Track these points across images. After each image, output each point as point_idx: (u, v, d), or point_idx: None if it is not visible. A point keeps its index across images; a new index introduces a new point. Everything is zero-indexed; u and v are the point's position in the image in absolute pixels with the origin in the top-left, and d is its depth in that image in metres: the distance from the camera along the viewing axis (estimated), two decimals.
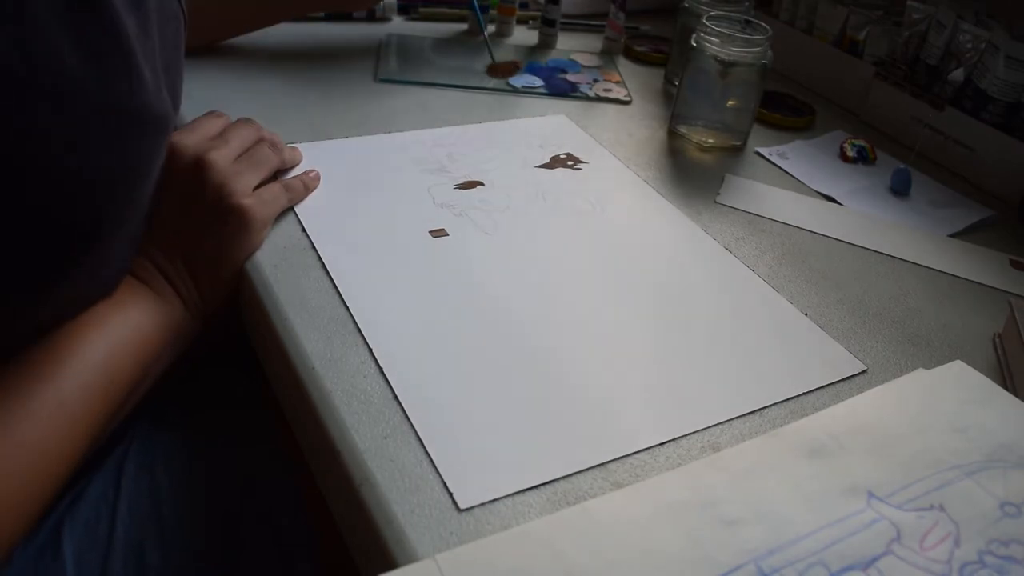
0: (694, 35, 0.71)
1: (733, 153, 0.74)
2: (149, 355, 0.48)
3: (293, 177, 0.57)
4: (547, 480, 0.39)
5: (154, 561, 0.48)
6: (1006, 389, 0.46)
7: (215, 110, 0.57)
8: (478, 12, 0.86)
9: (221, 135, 0.54)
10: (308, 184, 0.58)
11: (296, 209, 0.56)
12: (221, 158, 0.51)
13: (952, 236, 0.66)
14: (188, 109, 0.65)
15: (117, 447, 0.53)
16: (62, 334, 0.44)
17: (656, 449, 0.42)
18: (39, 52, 0.35)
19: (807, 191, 0.70)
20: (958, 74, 0.75)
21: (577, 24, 0.98)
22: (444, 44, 0.88)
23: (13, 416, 0.40)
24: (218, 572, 0.50)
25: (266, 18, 0.79)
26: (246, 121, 0.57)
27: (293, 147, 0.61)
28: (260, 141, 0.56)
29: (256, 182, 0.53)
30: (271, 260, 0.51)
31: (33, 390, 0.41)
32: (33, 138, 0.36)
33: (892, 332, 0.53)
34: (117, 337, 0.46)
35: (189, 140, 0.52)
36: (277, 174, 0.58)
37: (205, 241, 0.51)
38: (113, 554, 0.48)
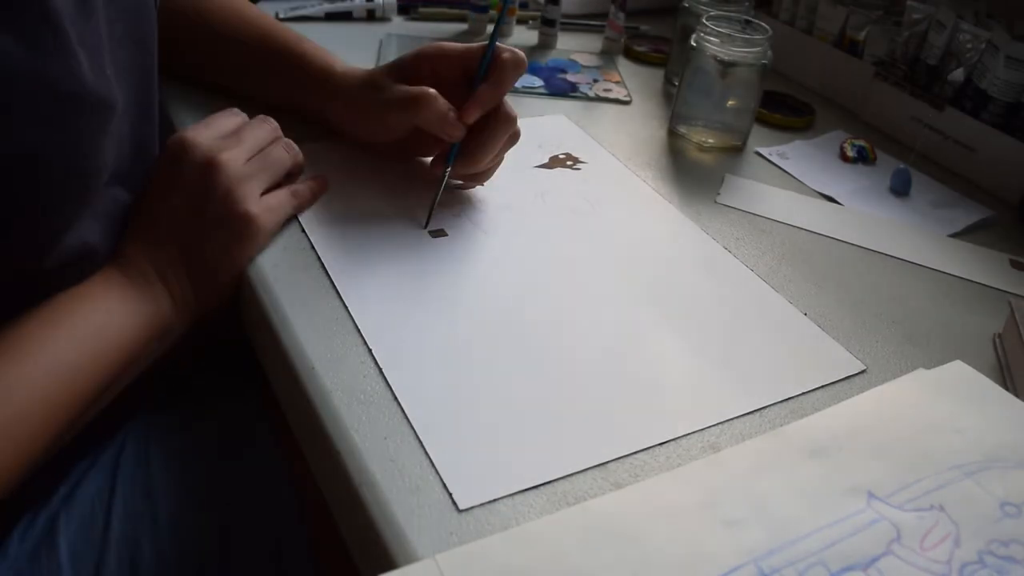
0: (694, 35, 0.71)
1: (733, 153, 0.74)
2: (125, 356, 0.46)
3: (301, 183, 0.56)
4: (547, 480, 0.39)
5: (149, 558, 0.48)
6: (1006, 389, 0.46)
7: (233, 108, 0.56)
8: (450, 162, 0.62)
9: (235, 133, 0.53)
10: (316, 191, 0.56)
11: (300, 212, 0.56)
12: (232, 160, 0.50)
13: (952, 236, 0.66)
14: (188, 110, 0.65)
15: (112, 445, 0.53)
16: (28, 331, 0.42)
17: (656, 449, 0.42)
18: None
19: (807, 191, 0.70)
20: (958, 74, 0.75)
21: (577, 24, 0.98)
22: None
23: None
24: (215, 571, 0.50)
25: (237, 83, 0.69)
26: (264, 119, 0.55)
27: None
28: (275, 141, 0.55)
29: (265, 186, 0.52)
30: (271, 260, 0.51)
31: None
32: None
33: (892, 332, 0.53)
34: (87, 338, 0.44)
35: (201, 137, 0.50)
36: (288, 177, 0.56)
37: (207, 244, 0.50)
38: (108, 551, 0.48)
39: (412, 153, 0.63)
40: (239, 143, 0.52)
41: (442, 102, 0.55)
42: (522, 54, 0.56)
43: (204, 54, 0.66)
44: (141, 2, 0.49)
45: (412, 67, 0.58)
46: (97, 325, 0.45)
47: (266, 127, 0.55)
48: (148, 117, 0.51)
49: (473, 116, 0.55)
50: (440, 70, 0.58)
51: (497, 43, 0.57)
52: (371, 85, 0.59)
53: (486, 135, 0.56)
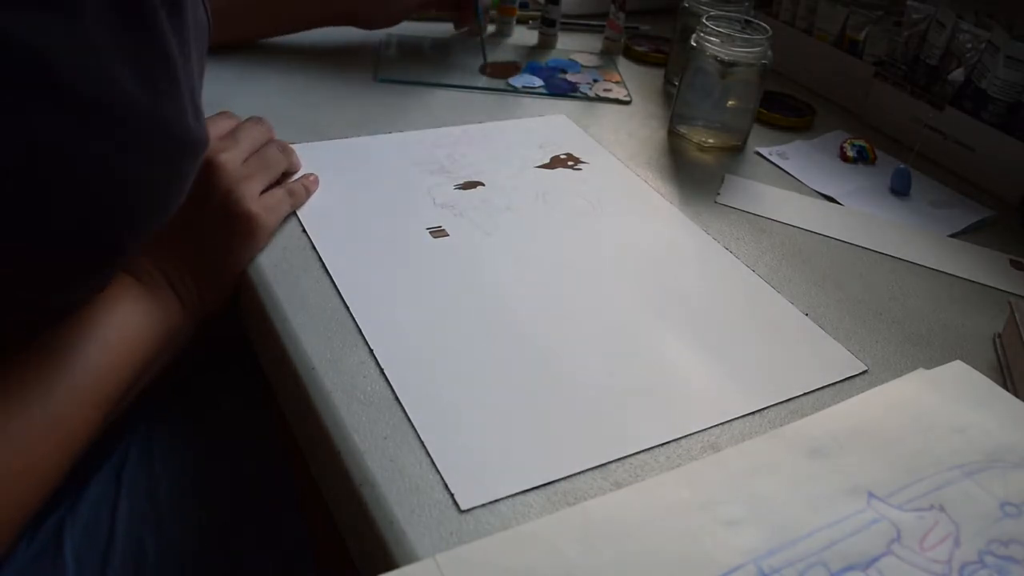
0: (694, 35, 0.71)
1: (733, 153, 0.74)
2: (143, 358, 0.47)
3: (295, 181, 0.57)
4: (548, 481, 0.39)
5: (153, 561, 0.48)
6: (1006, 389, 0.46)
7: (226, 110, 0.57)
8: (479, 13, 0.85)
9: (231, 134, 0.53)
10: (309, 188, 0.57)
11: (296, 209, 0.56)
12: (230, 160, 0.51)
13: (952, 236, 0.66)
14: None
15: (117, 448, 0.53)
16: (54, 337, 0.43)
17: (656, 449, 0.42)
18: (103, 77, 0.34)
19: (807, 191, 0.70)
20: (958, 74, 0.75)
21: (577, 24, 0.98)
22: (444, 44, 0.88)
23: (3, 418, 0.39)
24: (217, 572, 0.50)
25: (259, 30, 0.78)
26: (257, 120, 0.56)
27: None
28: (270, 142, 0.56)
29: (263, 186, 0.53)
30: (271, 260, 0.51)
31: (22, 397, 0.40)
32: (89, 156, 0.35)
33: (892, 332, 0.53)
34: (110, 341, 0.45)
35: None
36: (281, 176, 0.57)
37: (210, 244, 0.50)
38: (113, 554, 0.48)
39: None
40: (236, 144, 0.52)
41: None
42: None
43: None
44: (204, 44, 0.49)
45: None
46: (119, 330, 0.46)
47: (260, 128, 0.56)
48: None
49: None
50: None
51: None
52: None
53: None
